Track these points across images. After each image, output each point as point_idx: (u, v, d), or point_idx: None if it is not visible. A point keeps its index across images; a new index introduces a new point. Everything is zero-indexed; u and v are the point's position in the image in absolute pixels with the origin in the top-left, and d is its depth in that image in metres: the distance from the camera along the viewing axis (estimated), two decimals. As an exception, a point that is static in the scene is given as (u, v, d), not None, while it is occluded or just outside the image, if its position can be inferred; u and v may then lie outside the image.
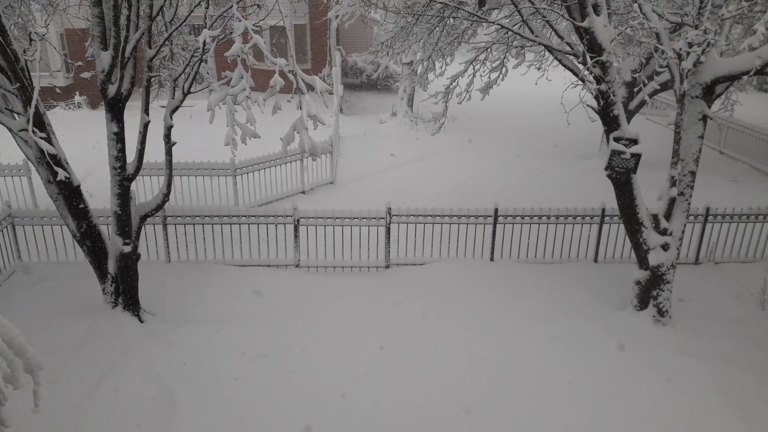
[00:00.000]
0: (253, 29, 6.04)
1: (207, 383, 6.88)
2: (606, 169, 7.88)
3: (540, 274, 9.62)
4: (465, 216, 9.77)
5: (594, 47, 7.14)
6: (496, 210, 9.77)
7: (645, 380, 7.14)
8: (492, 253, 10.01)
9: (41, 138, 6.41)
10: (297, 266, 9.77)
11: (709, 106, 7.71)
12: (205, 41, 6.45)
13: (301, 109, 5.95)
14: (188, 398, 6.62)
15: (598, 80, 7.35)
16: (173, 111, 7.50)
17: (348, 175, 14.67)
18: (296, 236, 9.60)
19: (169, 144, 7.64)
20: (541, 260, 10.10)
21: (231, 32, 6.46)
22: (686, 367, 7.33)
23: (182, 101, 7.54)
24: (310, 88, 6.01)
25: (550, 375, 7.21)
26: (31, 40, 6.22)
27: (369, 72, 24.33)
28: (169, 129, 7.52)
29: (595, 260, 10.18)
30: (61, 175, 6.78)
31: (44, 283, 8.88)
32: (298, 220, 9.53)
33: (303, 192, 13.29)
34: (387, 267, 9.91)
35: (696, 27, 7.03)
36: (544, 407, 6.69)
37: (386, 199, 10.43)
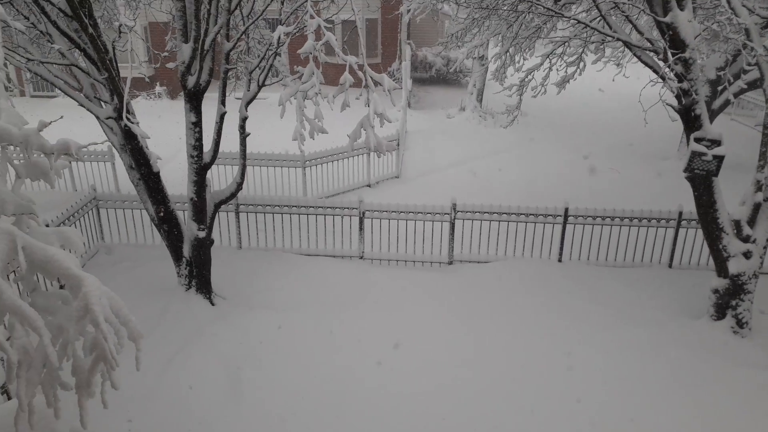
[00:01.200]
0: (325, 26, 6.15)
1: (272, 366, 7.09)
2: (685, 170, 7.54)
3: (610, 278, 9.32)
4: (533, 214, 9.59)
5: (676, 43, 6.84)
6: (566, 209, 9.53)
7: (717, 394, 6.81)
8: (560, 254, 9.78)
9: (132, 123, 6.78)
10: (361, 258, 9.89)
11: (802, 107, 7.23)
12: (279, 36, 6.62)
13: (368, 106, 6.02)
14: (254, 379, 6.86)
15: (680, 78, 7.04)
16: (248, 103, 7.73)
17: (414, 169, 14.68)
18: (361, 228, 9.71)
19: (243, 135, 7.89)
20: (612, 263, 9.78)
21: (304, 27, 6.60)
22: (764, 382, 6.94)
23: (257, 94, 7.76)
24: (378, 84, 6.07)
25: (615, 386, 6.98)
26: (120, 32, 6.55)
27: (438, 66, 24.20)
28: (243, 120, 7.76)
29: (670, 266, 9.77)
30: (153, 158, 7.11)
31: (124, 264, 9.38)
32: (363, 213, 9.63)
33: (368, 185, 13.40)
34: (450, 263, 9.86)
35: (791, 22, 6.61)
36: (602, 415, 6.50)
37: (451, 194, 10.36)
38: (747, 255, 7.68)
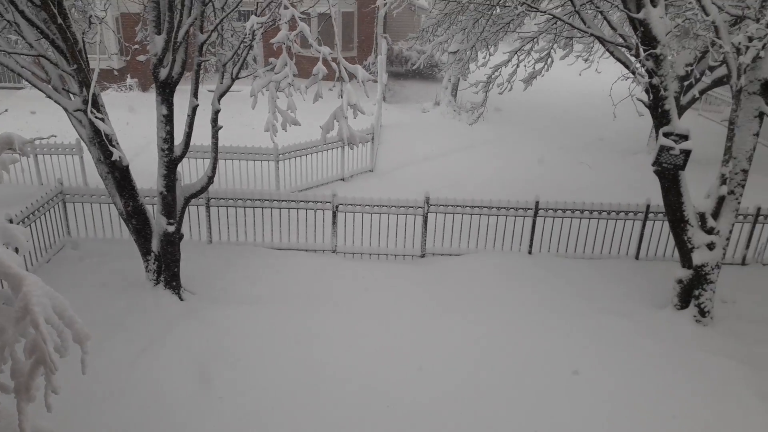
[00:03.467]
0: (300, 17, 6.10)
1: (245, 361, 7.05)
2: (653, 164, 7.69)
3: (579, 269, 9.47)
4: (504, 208, 9.68)
5: (648, 39, 6.95)
6: (537, 203, 9.65)
7: (680, 380, 7.00)
8: (531, 247, 9.90)
9: (97, 118, 6.64)
10: (334, 252, 9.87)
11: (767, 103, 7.42)
12: (252, 27, 6.54)
13: (342, 97, 5.99)
14: (226, 375, 6.81)
15: (651, 73, 7.16)
16: (221, 95, 7.64)
17: (388, 163, 14.69)
18: (334, 222, 9.70)
19: (215, 128, 7.80)
20: (581, 255, 9.94)
21: (279, 19, 6.54)
22: (724, 369, 7.15)
23: (230, 86, 7.67)
24: (353, 76, 6.04)
25: (583, 373, 7.11)
26: (90, 23, 6.42)
27: (414, 60, 24.20)
28: (216, 113, 7.67)
29: (637, 257, 9.96)
30: (116, 155, 7.00)
31: (91, 259, 9.22)
32: (336, 207, 9.62)
33: (342, 179, 13.38)
34: (422, 256, 9.91)
35: (758, 20, 6.76)
36: (574, 403, 6.62)
37: (425, 188, 10.41)
38: (710, 246, 7.87)
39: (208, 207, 9.76)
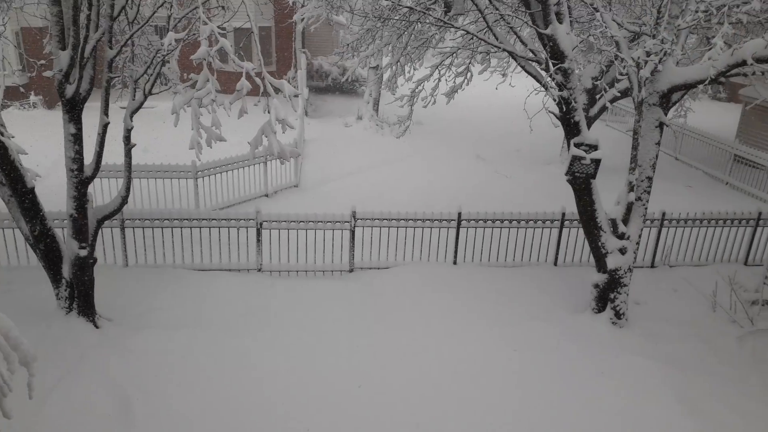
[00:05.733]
0: (219, 32, 5.97)
1: (165, 391, 6.73)
2: (566, 174, 8.03)
3: (501, 277, 9.73)
4: (429, 220, 9.82)
5: (556, 54, 7.28)
6: (459, 214, 9.85)
7: (598, 381, 7.30)
8: (455, 257, 10.09)
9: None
10: (259, 270, 9.66)
11: (666, 114, 7.94)
12: (171, 44, 6.34)
13: (269, 112, 5.91)
14: (147, 408, 6.46)
15: (560, 87, 7.49)
16: (134, 112, 7.35)
17: (312, 178, 14.60)
18: (259, 240, 9.49)
19: (128, 146, 7.48)
20: (503, 264, 10.22)
21: (195, 34, 6.37)
22: (640, 367, 7.53)
23: (143, 103, 7.40)
24: (278, 91, 5.98)
25: (507, 378, 7.29)
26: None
27: (335, 75, 24.26)
28: (128, 131, 7.36)
29: (555, 263, 10.36)
30: (29, 177, 6.54)
31: (-5, 288, 8.57)
32: (260, 224, 9.43)
33: (266, 195, 13.15)
34: (351, 271, 9.88)
35: (653, 36, 7.23)
36: (500, 408, 6.76)
37: (351, 202, 10.39)
38: (622, 251, 8.29)
39: (122, 228, 9.31)
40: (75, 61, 6.68)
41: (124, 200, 7.76)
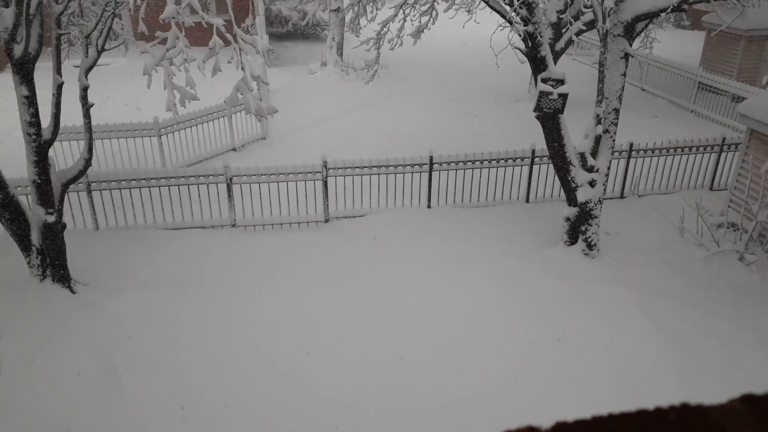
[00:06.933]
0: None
1: (150, 352, 6.76)
2: (534, 110, 8.03)
3: (475, 217, 9.85)
4: (401, 165, 9.80)
5: (519, -12, 7.14)
6: (431, 158, 9.84)
7: (574, 309, 7.56)
8: (429, 201, 10.14)
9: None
10: (233, 226, 9.60)
11: (630, 44, 7.93)
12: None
13: (242, 69, 5.76)
14: (132, 369, 6.50)
15: (525, 21, 7.40)
16: (88, 70, 7.07)
17: (280, 129, 14.35)
18: (230, 195, 9.39)
19: (86, 106, 7.23)
20: (476, 204, 10.33)
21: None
22: (612, 294, 7.80)
23: (96, 60, 7.12)
24: (251, 47, 5.82)
25: (486, 312, 7.49)
26: None
27: (295, 20, 23.54)
28: (85, 90, 7.10)
29: (527, 200, 10.50)
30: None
31: (-38, 261, 8.38)
32: (230, 179, 9.30)
33: (234, 149, 12.92)
34: (326, 221, 9.88)
35: (616, -35, 7.14)
36: (481, 338, 6.98)
37: (321, 152, 10.28)
38: (592, 184, 8.43)
39: (89, 192, 9.11)
40: (20, 19, 6.35)
41: (88, 162, 7.56)
